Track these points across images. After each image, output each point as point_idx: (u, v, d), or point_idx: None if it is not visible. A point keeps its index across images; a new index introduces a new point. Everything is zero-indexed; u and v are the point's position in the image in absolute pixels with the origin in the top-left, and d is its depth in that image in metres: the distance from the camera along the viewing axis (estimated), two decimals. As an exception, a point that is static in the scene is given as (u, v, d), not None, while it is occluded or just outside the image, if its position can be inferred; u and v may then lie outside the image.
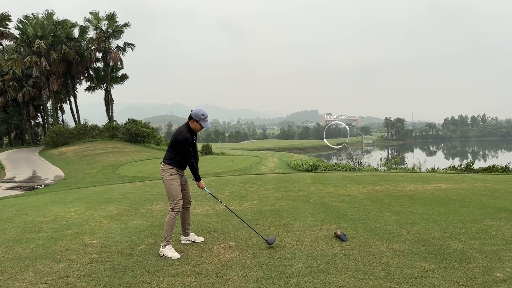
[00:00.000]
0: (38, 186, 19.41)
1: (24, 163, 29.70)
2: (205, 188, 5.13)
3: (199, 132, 5.09)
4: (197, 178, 5.02)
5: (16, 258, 4.76)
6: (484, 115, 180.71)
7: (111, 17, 42.99)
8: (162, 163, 5.00)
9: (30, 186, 19.41)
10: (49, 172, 25.05)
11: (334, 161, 38.72)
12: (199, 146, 36.11)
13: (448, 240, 4.89)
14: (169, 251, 4.64)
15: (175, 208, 4.83)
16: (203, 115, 4.84)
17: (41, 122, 55.34)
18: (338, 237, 5.08)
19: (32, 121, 53.03)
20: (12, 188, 18.36)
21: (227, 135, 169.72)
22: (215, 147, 47.95)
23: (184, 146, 4.82)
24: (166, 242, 4.70)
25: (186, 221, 5.23)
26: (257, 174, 16.53)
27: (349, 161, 24.63)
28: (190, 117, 4.88)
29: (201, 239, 5.29)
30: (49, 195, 12.27)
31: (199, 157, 5.25)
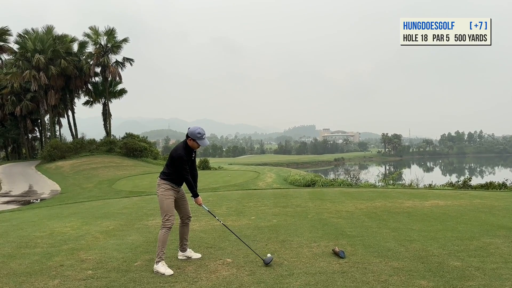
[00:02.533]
0: (34, 201, 19.27)
1: (20, 177, 29.54)
2: (202, 205, 5.10)
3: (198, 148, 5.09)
4: (195, 195, 5.00)
5: (11, 274, 4.70)
6: (481, 132, 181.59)
7: (110, 32, 43.27)
8: (158, 178, 5.00)
9: (26, 200, 19.27)
10: (46, 186, 24.90)
11: (331, 176, 38.70)
12: (196, 161, 36.00)
13: (447, 257, 4.87)
14: (162, 268, 4.60)
15: (166, 224, 4.81)
16: (199, 133, 4.83)
17: (39, 136, 55.25)
18: (337, 254, 5.05)
19: (29, 135, 52.94)
20: (8, 203, 18.21)
21: (224, 149, 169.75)
22: (212, 161, 47.88)
23: (179, 164, 4.83)
24: (158, 258, 4.68)
25: (184, 237, 5.19)
26: (255, 189, 16.48)
27: (347, 176, 24.61)
28: (187, 136, 4.89)
29: (198, 255, 5.24)
30: (45, 209, 12.19)
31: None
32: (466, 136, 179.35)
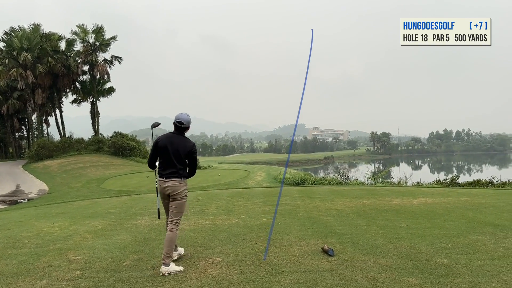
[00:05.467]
0: (22, 200, 19.02)
1: (7, 176, 29.15)
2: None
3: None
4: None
5: (-4, 275, 4.64)
6: (469, 130, 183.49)
7: (98, 30, 42.82)
8: None
9: (13, 200, 19.01)
10: (33, 186, 24.60)
11: (321, 174, 38.83)
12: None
13: (435, 254, 4.92)
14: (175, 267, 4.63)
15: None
16: (175, 117, 4.82)
17: (26, 135, 54.54)
18: (326, 252, 5.07)
19: (16, 134, 52.23)
20: (-6, 202, 17.95)
21: (214, 148, 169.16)
22: (202, 160, 47.79)
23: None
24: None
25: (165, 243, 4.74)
26: (245, 188, 16.48)
27: (336, 175, 24.72)
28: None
29: (182, 250, 5.24)
30: (33, 209, 12.04)
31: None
32: (454, 134, 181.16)
